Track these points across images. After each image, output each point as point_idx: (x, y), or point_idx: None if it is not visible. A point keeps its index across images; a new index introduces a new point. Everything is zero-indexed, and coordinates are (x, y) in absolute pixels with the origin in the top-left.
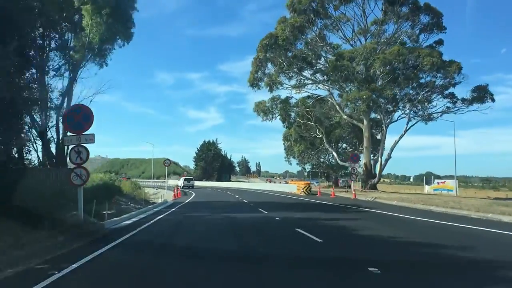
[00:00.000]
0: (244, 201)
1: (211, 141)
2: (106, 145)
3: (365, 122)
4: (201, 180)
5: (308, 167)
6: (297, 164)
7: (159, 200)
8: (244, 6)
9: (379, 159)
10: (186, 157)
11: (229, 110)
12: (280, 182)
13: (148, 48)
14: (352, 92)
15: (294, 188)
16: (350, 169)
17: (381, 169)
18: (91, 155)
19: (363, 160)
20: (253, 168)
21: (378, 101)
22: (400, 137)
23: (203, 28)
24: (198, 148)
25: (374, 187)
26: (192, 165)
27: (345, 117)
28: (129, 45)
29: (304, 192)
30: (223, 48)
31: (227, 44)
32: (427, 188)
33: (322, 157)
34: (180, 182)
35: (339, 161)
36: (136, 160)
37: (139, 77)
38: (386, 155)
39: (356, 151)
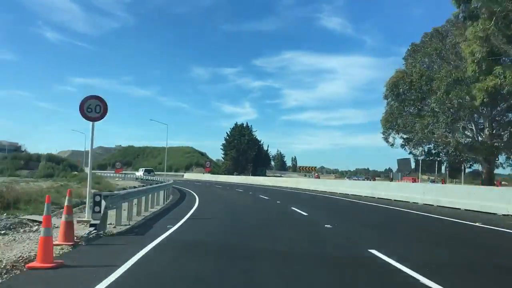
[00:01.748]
0: None
1: (244, 125)
2: (139, 138)
3: None
4: (231, 174)
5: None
6: (403, 145)
7: None
8: (280, 1)
9: None
10: (220, 151)
11: (263, 105)
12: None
13: (184, 43)
14: None
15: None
16: None
17: None
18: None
19: None
20: (288, 163)
21: None
22: None
23: (238, 23)
24: (228, 133)
25: None
26: (222, 156)
27: None
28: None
29: None
30: (258, 43)
31: (262, 39)
32: None
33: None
34: (140, 173)
35: None
36: (154, 149)
37: (175, 72)
38: None
39: None
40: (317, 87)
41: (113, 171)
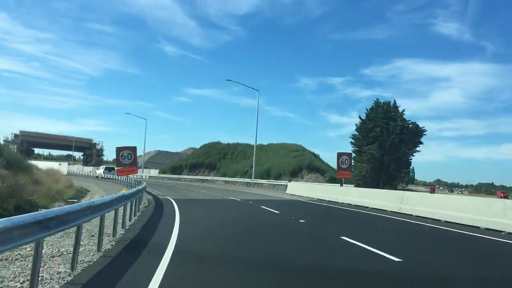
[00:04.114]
0: None
1: (390, 104)
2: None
3: None
4: (377, 185)
5: None
6: None
7: None
8: (391, 7)
9: None
10: (326, 160)
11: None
12: None
13: (292, 54)
14: None
15: None
16: None
17: None
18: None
19: None
20: None
21: None
22: None
23: (348, 32)
24: (366, 112)
25: None
26: (353, 155)
27: None
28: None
29: None
30: (367, 52)
31: (372, 47)
32: None
33: None
34: (100, 171)
35: None
36: (247, 147)
37: (283, 82)
38: None
39: None
40: (429, 96)
41: (191, 176)
